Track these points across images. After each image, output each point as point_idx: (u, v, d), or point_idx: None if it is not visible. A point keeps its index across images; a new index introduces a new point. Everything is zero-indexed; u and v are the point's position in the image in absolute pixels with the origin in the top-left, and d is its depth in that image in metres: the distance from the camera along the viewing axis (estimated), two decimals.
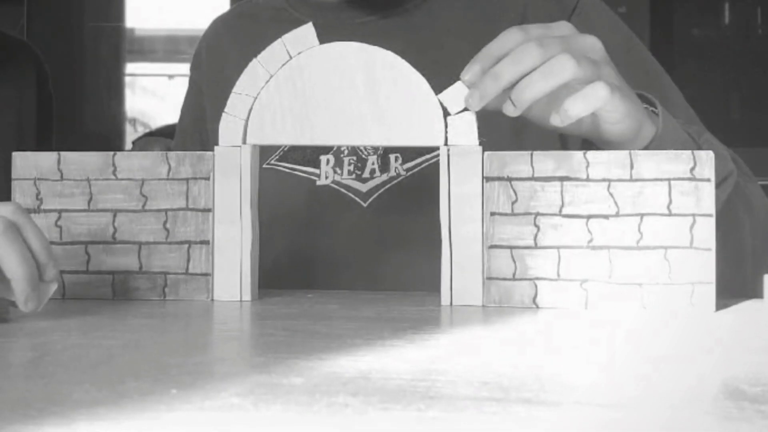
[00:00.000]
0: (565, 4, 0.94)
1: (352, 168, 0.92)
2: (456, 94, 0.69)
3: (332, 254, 0.91)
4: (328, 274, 0.90)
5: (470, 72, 0.69)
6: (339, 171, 0.92)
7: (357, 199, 0.91)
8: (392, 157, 0.91)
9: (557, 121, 0.66)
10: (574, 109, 0.66)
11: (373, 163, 0.91)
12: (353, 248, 0.90)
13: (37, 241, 0.61)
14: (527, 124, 0.92)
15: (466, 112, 0.69)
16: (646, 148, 0.73)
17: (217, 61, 1.04)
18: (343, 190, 0.92)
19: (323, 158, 0.93)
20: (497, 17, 0.93)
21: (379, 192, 0.91)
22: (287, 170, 0.94)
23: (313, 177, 0.93)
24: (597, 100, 0.66)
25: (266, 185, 0.92)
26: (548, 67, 0.66)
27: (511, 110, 0.67)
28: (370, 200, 0.91)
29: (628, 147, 0.73)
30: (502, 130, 0.89)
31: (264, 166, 0.94)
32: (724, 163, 0.78)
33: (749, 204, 0.85)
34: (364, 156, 0.92)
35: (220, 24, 1.08)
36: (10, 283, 0.59)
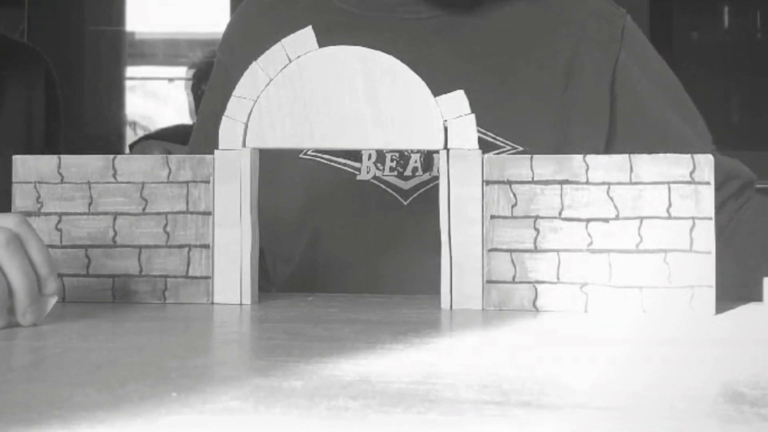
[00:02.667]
0: (613, 29, 0.95)
1: (394, 164, 0.91)
2: (455, 99, 0.69)
3: (369, 251, 0.90)
4: (363, 271, 0.89)
5: None
6: (381, 167, 0.91)
7: (397, 196, 0.90)
8: (436, 156, 0.91)
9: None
10: None
11: (415, 161, 0.91)
12: (391, 246, 0.90)
13: (39, 254, 0.61)
14: (571, 131, 0.92)
15: (465, 116, 0.69)
16: None
17: (250, 45, 1.01)
18: (383, 186, 0.91)
19: (365, 152, 0.92)
20: (552, 35, 0.94)
21: (420, 191, 0.90)
22: (327, 162, 0.93)
23: (353, 171, 0.92)
24: None
25: (304, 176, 0.91)
26: None
27: None
28: (410, 199, 0.90)
29: None
30: (545, 139, 0.89)
31: (302, 156, 0.93)
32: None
33: None
34: (407, 153, 0.91)
35: (254, 7, 1.05)
36: (11, 295, 0.59)
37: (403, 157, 0.91)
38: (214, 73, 1.06)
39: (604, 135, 0.92)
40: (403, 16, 0.96)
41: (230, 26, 1.06)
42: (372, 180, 0.91)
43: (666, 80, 0.97)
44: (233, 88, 0.92)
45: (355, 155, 0.92)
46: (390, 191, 0.90)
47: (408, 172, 0.90)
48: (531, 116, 0.90)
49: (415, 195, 0.90)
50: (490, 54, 0.93)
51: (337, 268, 0.91)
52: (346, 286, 0.88)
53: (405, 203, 0.90)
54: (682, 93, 0.97)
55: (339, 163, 0.92)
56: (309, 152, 0.93)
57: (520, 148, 0.87)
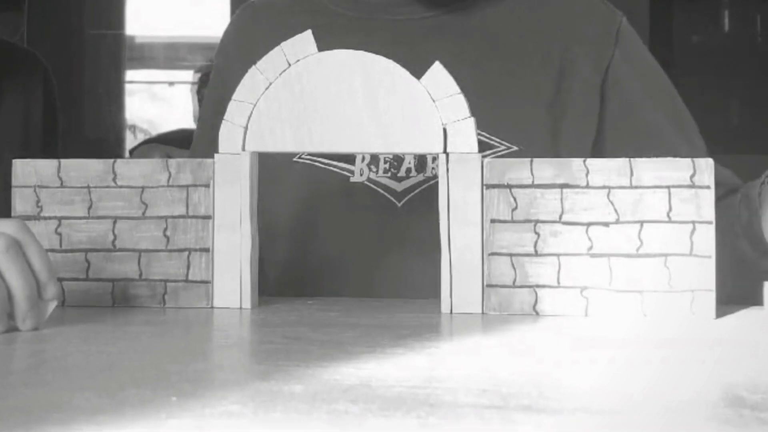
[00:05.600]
0: (608, 30, 0.95)
1: (387, 166, 0.91)
2: (454, 103, 0.69)
3: (362, 253, 0.90)
4: (356, 274, 0.89)
5: None
6: (374, 169, 0.91)
7: (391, 198, 0.90)
8: (429, 156, 0.90)
9: None
10: None
11: (409, 162, 0.90)
12: (384, 248, 0.89)
13: (39, 260, 0.61)
14: (563, 130, 0.92)
15: (465, 119, 0.69)
16: None
17: (244, 50, 1.01)
18: (377, 188, 0.90)
19: (359, 155, 0.91)
20: (545, 34, 0.94)
21: (415, 192, 0.90)
22: (321, 165, 0.92)
23: (347, 173, 0.92)
24: None
25: (298, 179, 0.91)
26: None
27: None
28: (404, 200, 0.90)
29: None
30: (539, 139, 0.89)
31: (296, 159, 0.93)
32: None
33: None
34: (402, 154, 0.91)
35: (250, 11, 1.06)
36: (11, 300, 0.60)
37: (396, 158, 0.91)
38: (211, 80, 1.06)
39: (592, 135, 0.92)
40: (396, 17, 0.96)
41: (226, 32, 1.06)
42: (365, 182, 0.91)
43: (659, 85, 0.97)
44: (230, 93, 0.93)
45: (348, 158, 0.92)
46: (383, 193, 0.90)
47: (402, 173, 0.90)
48: (525, 116, 0.90)
49: (409, 196, 0.90)
50: (484, 54, 0.93)
51: (330, 271, 0.90)
52: (340, 289, 0.87)
53: (399, 205, 0.90)
54: (676, 99, 0.97)
55: (333, 166, 0.92)
56: (303, 156, 0.93)
57: (515, 148, 0.87)
